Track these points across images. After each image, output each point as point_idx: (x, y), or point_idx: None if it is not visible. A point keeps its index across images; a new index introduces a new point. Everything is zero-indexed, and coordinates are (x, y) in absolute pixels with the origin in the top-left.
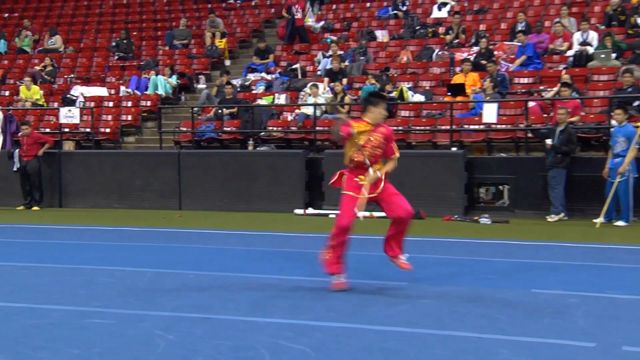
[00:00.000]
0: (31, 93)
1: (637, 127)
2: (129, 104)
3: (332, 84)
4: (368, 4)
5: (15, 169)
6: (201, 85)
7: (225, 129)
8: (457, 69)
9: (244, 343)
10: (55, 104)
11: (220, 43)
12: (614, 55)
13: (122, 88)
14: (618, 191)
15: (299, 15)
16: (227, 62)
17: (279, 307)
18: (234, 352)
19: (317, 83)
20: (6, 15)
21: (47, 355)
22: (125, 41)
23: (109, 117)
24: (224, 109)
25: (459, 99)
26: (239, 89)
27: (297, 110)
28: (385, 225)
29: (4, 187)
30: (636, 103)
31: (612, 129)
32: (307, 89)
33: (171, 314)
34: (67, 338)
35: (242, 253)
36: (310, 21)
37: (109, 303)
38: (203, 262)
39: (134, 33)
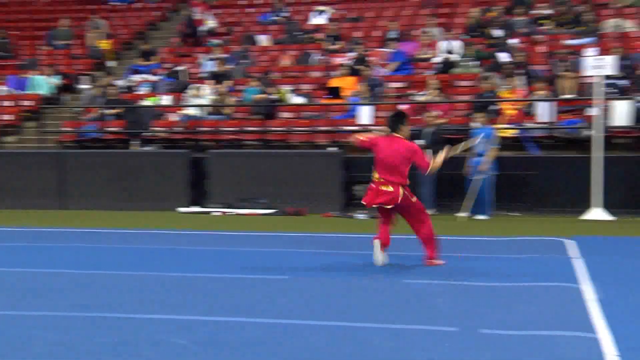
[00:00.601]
0: None
1: (495, 129)
2: (9, 103)
3: (215, 85)
4: (252, 9)
5: None
6: (84, 86)
7: (109, 129)
8: (335, 73)
9: (125, 339)
10: None
11: (103, 44)
12: (475, 63)
13: (1, 87)
14: (479, 188)
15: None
16: (111, 63)
17: (161, 304)
18: (114, 349)
19: (201, 85)
20: None
21: None
22: (3, 40)
23: None
24: (108, 109)
25: (336, 101)
26: (122, 90)
27: (181, 111)
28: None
29: None
30: (493, 107)
31: (473, 131)
32: (191, 91)
33: (50, 314)
34: None
35: (122, 251)
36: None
37: None
38: (82, 261)
39: (13, 32)
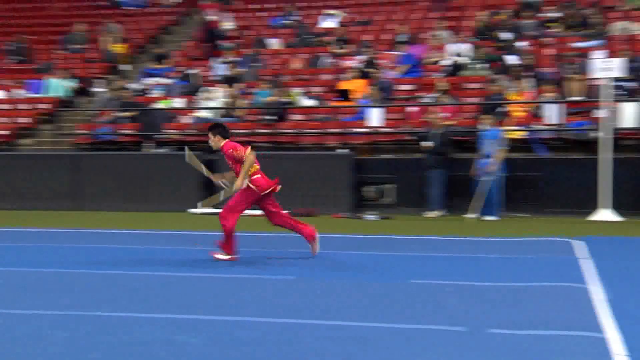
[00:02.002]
0: None
1: (504, 130)
2: (26, 107)
3: (227, 88)
4: (264, 13)
5: None
6: (98, 89)
7: (123, 131)
8: (345, 75)
9: (138, 339)
10: None
11: (118, 48)
12: (483, 65)
13: (18, 91)
14: (488, 189)
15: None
16: (125, 67)
17: (171, 303)
18: (127, 348)
19: (213, 88)
20: None
21: None
22: (20, 45)
23: (5, 120)
24: (122, 112)
25: (345, 104)
26: (136, 93)
27: (193, 114)
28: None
29: None
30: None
31: (481, 132)
32: (203, 93)
33: (60, 313)
34: None
35: (134, 251)
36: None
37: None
38: (94, 261)
39: (30, 37)
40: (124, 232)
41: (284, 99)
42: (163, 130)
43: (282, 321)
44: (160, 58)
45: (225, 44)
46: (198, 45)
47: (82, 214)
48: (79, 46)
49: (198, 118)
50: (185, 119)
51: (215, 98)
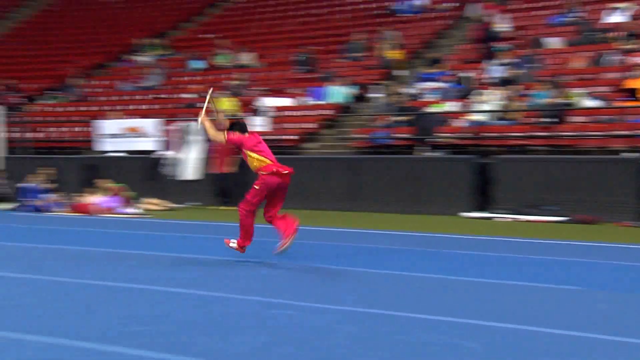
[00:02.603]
0: (225, 105)
1: None
2: (310, 113)
3: (502, 91)
4: (542, 12)
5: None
6: (375, 95)
7: (398, 135)
8: (633, 73)
9: (420, 340)
10: (246, 114)
11: (394, 54)
12: None
13: (303, 99)
14: None
15: (490, 20)
16: (400, 72)
17: (452, 306)
18: (410, 347)
19: (487, 90)
20: (207, 35)
21: (238, 340)
22: (307, 55)
23: (292, 125)
24: (398, 116)
25: (633, 104)
26: (410, 98)
27: (467, 117)
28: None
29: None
30: None
31: None
32: (477, 96)
33: (348, 309)
34: (253, 326)
35: (408, 253)
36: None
37: (292, 296)
38: (376, 262)
39: (314, 48)
40: (395, 234)
41: (563, 100)
42: (436, 134)
43: (572, 334)
44: (434, 62)
45: (501, 45)
46: (472, 48)
47: (359, 215)
48: (358, 54)
49: (472, 121)
50: (458, 123)
51: (490, 101)
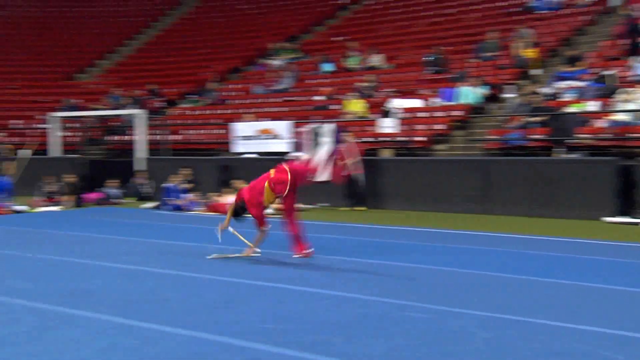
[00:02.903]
0: (355, 107)
1: None
2: (441, 114)
3: None
4: None
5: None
6: (509, 95)
7: (533, 136)
8: None
9: (560, 349)
10: (376, 116)
11: (528, 53)
12: None
13: (434, 100)
14: None
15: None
16: (535, 71)
17: (593, 316)
18: (548, 357)
19: (632, 89)
20: (337, 37)
21: (375, 342)
22: (438, 56)
23: (422, 127)
24: (532, 117)
25: None
26: (546, 97)
27: (609, 117)
28: None
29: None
30: None
31: None
32: (621, 95)
33: (487, 314)
34: (389, 328)
35: (544, 258)
36: None
37: (428, 299)
38: (502, 265)
39: (447, 48)
40: (528, 238)
41: None
42: (575, 135)
43: None
44: (573, 60)
45: None
46: (615, 44)
47: (491, 218)
48: (491, 54)
49: (614, 121)
50: (599, 123)
51: (635, 100)
